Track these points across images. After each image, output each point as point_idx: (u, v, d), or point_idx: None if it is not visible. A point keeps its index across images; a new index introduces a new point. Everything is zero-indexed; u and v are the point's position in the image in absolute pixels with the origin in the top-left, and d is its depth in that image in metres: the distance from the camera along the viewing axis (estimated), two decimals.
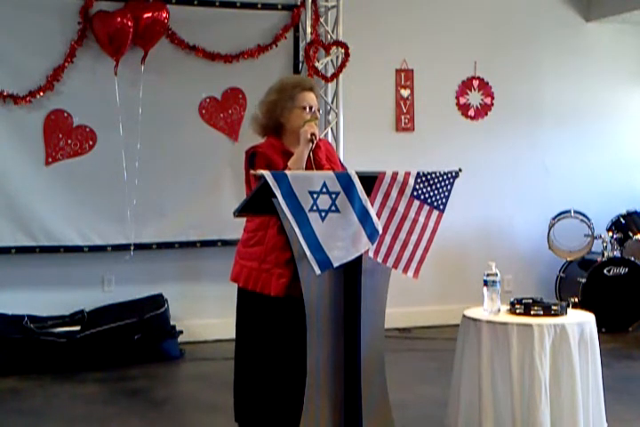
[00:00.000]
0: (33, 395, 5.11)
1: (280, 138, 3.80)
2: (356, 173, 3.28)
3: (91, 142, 6.05)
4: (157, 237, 6.23)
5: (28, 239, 5.92)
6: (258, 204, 3.27)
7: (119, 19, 5.79)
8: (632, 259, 6.86)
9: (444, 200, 3.45)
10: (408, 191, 3.36)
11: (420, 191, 3.39)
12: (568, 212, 7.03)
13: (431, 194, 3.42)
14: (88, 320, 5.93)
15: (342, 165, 3.93)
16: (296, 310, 3.37)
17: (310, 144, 3.60)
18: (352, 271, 3.35)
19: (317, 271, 3.16)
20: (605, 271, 6.80)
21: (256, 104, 3.92)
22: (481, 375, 3.50)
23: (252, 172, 3.33)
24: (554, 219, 7.01)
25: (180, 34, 6.15)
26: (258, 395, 3.70)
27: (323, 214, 3.19)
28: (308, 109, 3.75)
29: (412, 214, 3.37)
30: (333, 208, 3.21)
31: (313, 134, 3.60)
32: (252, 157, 3.68)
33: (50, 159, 5.98)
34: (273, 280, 3.61)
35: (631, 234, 7.04)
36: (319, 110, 3.88)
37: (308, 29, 6.52)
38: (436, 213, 3.43)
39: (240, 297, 3.82)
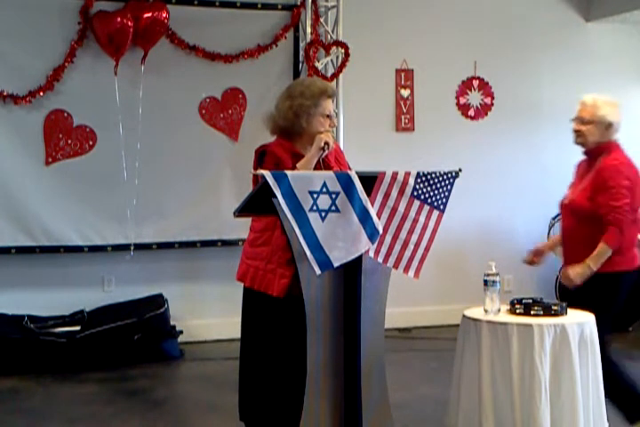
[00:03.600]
0: (33, 395, 5.12)
1: (290, 140, 3.79)
2: (356, 173, 3.28)
3: (91, 142, 6.06)
4: (157, 237, 6.23)
5: (28, 239, 5.92)
6: (258, 204, 3.27)
7: (119, 19, 5.79)
8: None
9: (444, 200, 3.45)
10: (408, 191, 3.36)
11: (420, 191, 3.39)
12: None
13: (431, 194, 3.42)
14: (88, 320, 5.94)
15: (350, 168, 3.91)
16: (300, 309, 3.36)
17: (321, 152, 3.62)
18: (352, 271, 3.35)
19: (317, 271, 3.16)
20: None
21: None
22: (481, 375, 3.50)
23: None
24: (554, 219, 7.01)
25: (180, 34, 6.15)
26: (261, 394, 3.70)
27: (323, 214, 3.19)
28: (329, 118, 3.78)
29: (412, 214, 3.37)
30: (333, 208, 3.21)
31: (327, 143, 3.62)
32: (262, 156, 3.68)
33: (50, 159, 5.98)
34: (275, 280, 3.62)
35: None
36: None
37: (308, 29, 6.52)
38: (436, 213, 3.43)
39: (245, 297, 3.82)
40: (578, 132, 4.22)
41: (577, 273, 3.97)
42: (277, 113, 3.81)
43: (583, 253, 3.97)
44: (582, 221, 4.07)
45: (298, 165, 3.59)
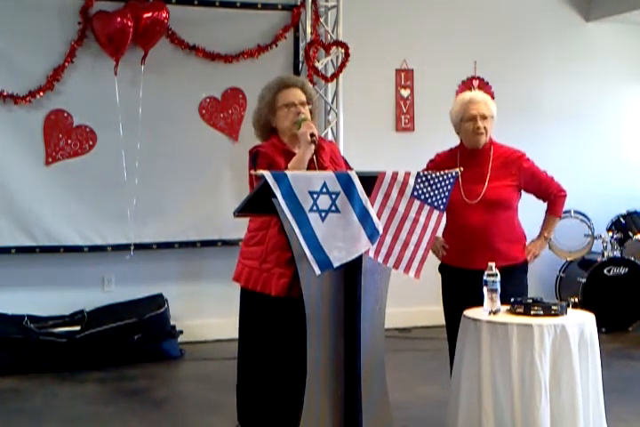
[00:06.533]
0: (33, 395, 5.12)
1: (282, 139, 3.79)
2: (356, 173, 3.28)
3: (91, 142, 6.06)
4: (157, 237, 6.23)
5: (28, 239, 5.92)
6: (258, 204, 3.27)
7: (119, 19, 5.79)
8: (632, 259, 6.86)
9: (444, 200, 3.45)
10: (408, 191, 3.36)
11: (420, 191, 3.39)
12: (568, 212, 7.02)
13: (431, 194, 3.42)
14: (88, 320, 5.93)
15: (349, 166, 3.89)
16: (296, 309, 3.36)
17: (313, 145, 3.58)
18: (352, 271, 3.35)
19: (317, 272, 3.16)
20: (605, 271, 6.80)
21: (256, 104, 3.92)
22: (481, 375, 3.50)
23: (251, 172, 3.33)
24: None
25: (180, 34, 6.15)
26: (260, 395, 3.70)
27: (323, 215, 3.19)
28: (291, 106, 3.72)
29: (412, 214, 3.37)
30: (333, 208, 3.21)
31: (312, 135, 3.58)
32: (255, 157, 3.67)
33: (50, 159, 5.98)
34: (273, 280, 3.61)
35: (631, 234, 7.05)
36: (310, 104, 3.80)
37: (308, 29, 6.52)
38: (436, 213, 3.43)
39: (242, 297, 3.83)
40: (481, 130, 4.13)
41: (541, 246, 4.31)
42: (253, 122, 3.86)
43: (502, 240, 4.10)
44: (501, 211, 4.13)
45: (289, 165, 3.56)
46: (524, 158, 4.24)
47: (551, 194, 4.29)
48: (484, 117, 4.13)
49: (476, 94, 4.26)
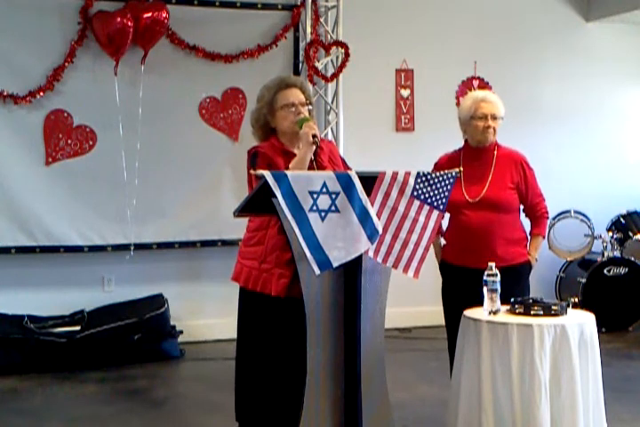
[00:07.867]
0: (33, 395, 5.12)
1: (281, 139, 3.78)
2: (356, 173, 3.28)
3: (91, 142, 6.06)
4: (157, 237, 6.23)
5: (28, 239, 5.92)
6: (258, 204, 3.27)
7: (119, 19, 5.79)
8: (632, 259, 6.86)
9: (443, 200, 3.45)
10: (408, 191, 3.36)
11: (420, 191, 3.39)
12: (568, 212, 7.03)
13: (431, 194, 3.42)
14: (88, 320, 5.93)
15: (347, 165, 3.89)
16: (296, 310, 3.36)
17: (314, 146, 3.58)
18: (352, 271, 3.35)
19: (317, 272, 3.16)
20: (605, 271, 6.80)
21: (255, 104, 3.91)
22: (481, 375, 3.50)
23: (251, 172, 3.32)
24: (554, 219, 7.01)
25: (180, 34, 6.16)
26: (258, 395, 3.70)
27: (322, 214, 3.19)
28: (291, 107, 3.69)
29: (412, 214, 3.37)
30: (333, 208, 3.21)
31: (314, 136, 3.58)
32: (254, 157, 3.67)
33: (50, 159, 5.98)
34: (273, 280, 3.61)
35: (631, 234, 7.05)
36: (308, 104, 3.76)
37: (308, 29, 6.53)
38: (436, 212, 3.43)
39: (241, 297, 3.82)
40: (491, 129, 4.18)
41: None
42: (251, 122, 3.85)
43: (503, 240, 4.10)
44: (502, 212, 4.14)
45: (290, 166, 3.55)
46: (529, 165, 4.28)
47: (538, 212, 4.31)
48: (494, 118, 4.20)
49: (490, 94, 4.36)
